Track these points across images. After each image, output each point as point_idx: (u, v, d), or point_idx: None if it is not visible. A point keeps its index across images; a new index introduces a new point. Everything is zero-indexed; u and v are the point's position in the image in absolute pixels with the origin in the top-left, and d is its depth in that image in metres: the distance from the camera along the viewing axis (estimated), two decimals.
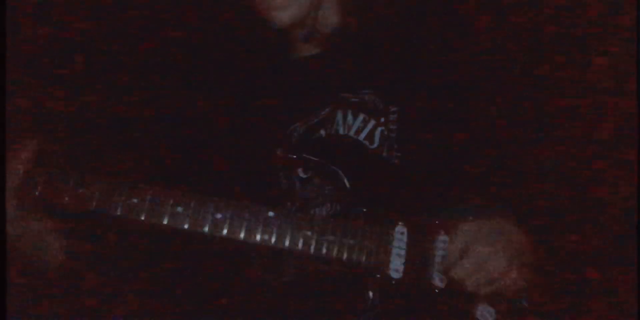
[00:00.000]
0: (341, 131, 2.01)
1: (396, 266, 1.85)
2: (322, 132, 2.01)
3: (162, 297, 1.99)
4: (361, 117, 2.00)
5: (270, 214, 1.83)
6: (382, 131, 2.00)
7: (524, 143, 2.01)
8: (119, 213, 1.80)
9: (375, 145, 2.00)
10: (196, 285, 1.99)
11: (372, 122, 2.00)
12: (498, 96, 2.02)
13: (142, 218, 1.79)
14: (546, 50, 2.16)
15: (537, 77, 2.13)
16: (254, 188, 1.99)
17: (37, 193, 1.81)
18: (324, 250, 1.82)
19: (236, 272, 1.96)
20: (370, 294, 1.85)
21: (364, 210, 1.88)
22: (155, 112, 2.05)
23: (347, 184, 1.90)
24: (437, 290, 1.85)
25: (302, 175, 1.99)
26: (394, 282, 1.84)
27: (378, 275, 1.84)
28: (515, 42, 2.12)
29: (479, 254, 1.82)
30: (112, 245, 1.92)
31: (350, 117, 2.01)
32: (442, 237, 1.88)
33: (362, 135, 2.00)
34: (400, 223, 1.87)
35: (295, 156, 1.93)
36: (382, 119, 2.00)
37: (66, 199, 1.81)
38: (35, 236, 1.86)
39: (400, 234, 1.86)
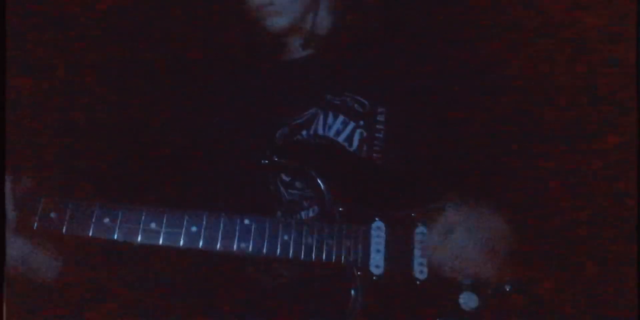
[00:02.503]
0: (321, 132, 2.02)
1: (376, 262, 1.86)
2: (304, 132, 2.02)
3: (160, 298, 2.01)
4: (341, 118, 2.01)
5: (246, 221, 1.84)
6: (361, 133, 2.00)
7: (515, 141, 1.99)
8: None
9: (354, 147, 2.00)
10: (192, 287, 2.01)
11: (351, 124, 2.01)
12: (488, 96, 2.01)
13: (115, 237, 1.81)
14: (538, 50, 2.14)
15: (528, 75, 2.10)
16: (243, 194, 2.00)
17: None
18: (302, 254, 1.84)
19: (229, 274, 1.98)
20: (353, 291, 1.85)
21: (340, 209, 1.89)
22: (137, 118, 2.06)
23: (322, 186, 1.91)
24: (418, 282, 1.85)
25: (285, 178, 2.01)
26: (375, 278, 1.85)
27: (359, 273, 1.85)
28: (503, 44, 2.10)
29: (457, 241, 1.83)
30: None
31: (330, 119, 2.02)
32: (420, 229, 1.88)
33: (342, 137, 2.01)
34: (376, 219, 1.88)
35: (267, 161, 1.94)
36: (362, 122, 2.01)
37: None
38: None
39: (377, 230, 1.87)
